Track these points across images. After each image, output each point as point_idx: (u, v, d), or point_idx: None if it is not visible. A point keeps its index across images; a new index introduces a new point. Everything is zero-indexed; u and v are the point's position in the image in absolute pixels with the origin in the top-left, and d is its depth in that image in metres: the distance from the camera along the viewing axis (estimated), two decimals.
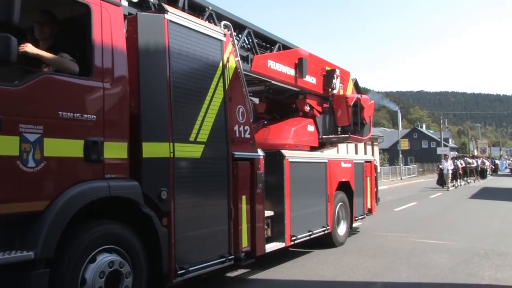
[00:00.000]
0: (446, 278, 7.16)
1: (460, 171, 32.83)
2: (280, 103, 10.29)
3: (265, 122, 9.89)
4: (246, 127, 6.86)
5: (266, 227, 7.39)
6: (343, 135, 10.69)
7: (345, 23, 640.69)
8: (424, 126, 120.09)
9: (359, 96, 11.18)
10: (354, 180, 10.62)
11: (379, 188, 13.43)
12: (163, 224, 5.08)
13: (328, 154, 10.46)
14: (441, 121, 71.88)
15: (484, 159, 46.96)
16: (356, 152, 46.14)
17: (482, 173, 39.87)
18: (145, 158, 4.99)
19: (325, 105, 10.63)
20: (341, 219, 10.18)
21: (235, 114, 6.63)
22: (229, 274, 7.52)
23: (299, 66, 9.25)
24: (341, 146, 44.50)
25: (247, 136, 6.88)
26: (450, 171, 29.94)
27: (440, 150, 53.56)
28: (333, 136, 10.65)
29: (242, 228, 6.46)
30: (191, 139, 5.66)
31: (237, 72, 6.80)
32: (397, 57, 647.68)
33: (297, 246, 8.87)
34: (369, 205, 11.77)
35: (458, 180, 32.87)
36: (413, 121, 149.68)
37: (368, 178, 11.64)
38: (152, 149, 5.07)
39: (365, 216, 11.47)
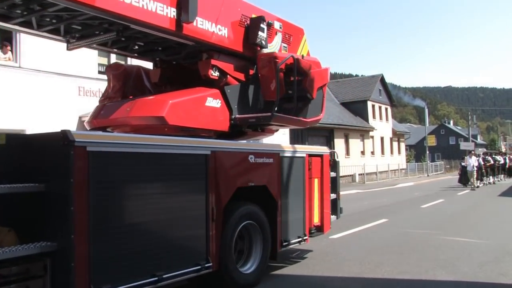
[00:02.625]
0: (475, 277, 7.04)
1: (483, 169, 30.47)
2: (181, 68, 7.48)
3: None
4: None
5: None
6: (264, 114, 6.94)
7: (372, 16, 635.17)
8: (451, 122, 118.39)
9: (296, 55, 7.49)
10: (281, 183, 7.24)
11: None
12: None
13: (218, 141, 6.31)
14: (469, 117, 70.70)
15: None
16: (382, 149, 45.85)
17: (510, 171, 38.87)
18: None
19: (251, 72, 7.47)
20: (250, 247, 6.83)
21: None
22: None
23: (184, 1, 6.07)
24: (355, 142, 43.81)
25: None
26: (475, 169, 27.68)
27: (463, 145, 52.50)
28: (251, 115, 7.00)
29: None
30: None
31: None
32: (425, 52, 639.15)
33: None
34: (316, 220, 8.25)
35: (484, 178, 30.88)
36: (440, 117, 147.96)
37: (316, 180, 8.25)
38: None
39: (306, 238, 7.84)
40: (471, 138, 59.81)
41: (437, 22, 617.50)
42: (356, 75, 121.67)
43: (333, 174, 8.94)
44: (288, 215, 7.40)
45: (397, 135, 51.33)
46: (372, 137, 44.02)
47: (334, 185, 9.00)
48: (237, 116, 6.93)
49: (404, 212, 16.08)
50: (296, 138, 31.64)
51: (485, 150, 63.31)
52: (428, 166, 50.95)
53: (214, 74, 6.84)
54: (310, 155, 8.10)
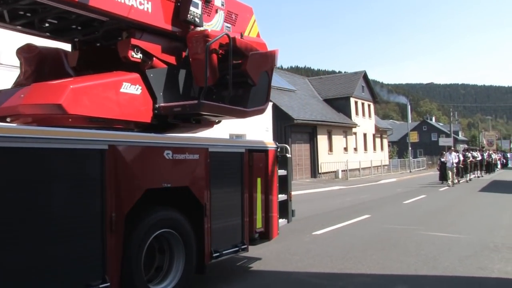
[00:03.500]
0: (455, 271, 7.13)
1: (461, 164, 29.73)
2: (103, 51, 6.44)
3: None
4: None
5: None
6: (190, 102, 6.02)
7: (355, 13, 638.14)
8: (433, 118, 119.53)
9: (233, 34, 6.41)
10: (210, 184, 6.03)
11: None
12: None
13: (119, 134, 5.07)
14: (451, 114, 71.46)
15: (491, 152, 45.72)
16: (365, 145, 46.15)
17: (488, 167, 39.14)
18: None
19: (183, 54, 6.54)
20: (170, 261, 5.69)
21: None
22: None
23: None
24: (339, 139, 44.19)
25: None
26: (455, 165, 26.89)
27: (442, 141, 53.13)
28: (175, 104, 6.04)
29: None
30: None
31: None
32: (407, 49, 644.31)
33: None
34: (259, 225, 7.08)
35: (464, 174, 30.48)
36: (423, 113, 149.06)
37: (259, 180, 7.05)
38: None
39: (245, 246, 6.72)
40: (452, 134, 60.44)
41: (419, 19, 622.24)
42: (339, 72, 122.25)
43: (282, 172, 7.79)
44: (220, 221, 6.24)
45: (380, 132, 51.73)
46: (355, 133, 44.31)
47: (284, 184, 7.90)
48: (161, 104, 5.96)
49: (387, 208, 16.22)
50: (279, 134, 31.72)
51: (466, 146, 64.00)
52: (410, 162, 51.41)
53: (136, 56, 5.84)
54: (251, 150, 6.89)
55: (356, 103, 45.14)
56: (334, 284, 6.65)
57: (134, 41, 5.79)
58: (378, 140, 51.28)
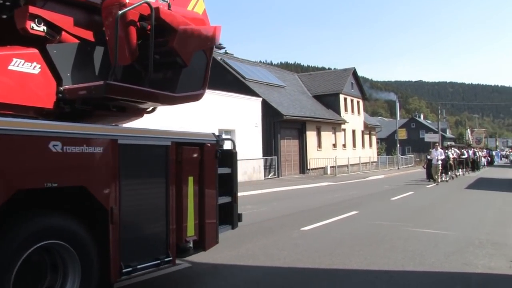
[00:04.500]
0: (441, 267, 7.23)
1: (450, 161, 29.22)
2: (3, 23, 5.02)
3: None
4: None
5: None
6: (96, 83, 4.92)
7: (345, 10, 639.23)
8: (422, 116, 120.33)
9: (156, 3, 5.36)
10: (119, 184, 4.82)
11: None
12: None
13: None
14: (439, 111, 71.94)
15: (476, 150, 45.71)
16: (354, 142, 46.34)
17: (474, 165, 39.26)
18: None
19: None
20: (64, 280, 4.46)
21: None
22: None
23: None
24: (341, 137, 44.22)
25: None
26: (440, 162, 25.91)
27: (428, 137, 52.93)
28: (81, 85, 4.97)
29: None
30: None
31: None
32: (397, 47, 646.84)
33: None
34: (191, 233, 5.90)
35: (449, 172, 29.24)
36: (411, 111, 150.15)
37: (191, 179, 5.88)
38: None
39: (171, 259, 5.55)
40: (440, 132, 60.83)
41: (409, 16, 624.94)
42: (329, 68, 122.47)
43: (225, 170, 6.66)
44: (134, 229, 5.07)
45: (368, 128, 51.94)
46: (344, 130, 44.44)
47: (228, 185, 6.73)
48: (66, 87, 4.92)
49: (374, 204, 16.35)
50: (268, 130, 31.77)
51: (448, 143, 64.47)
52: (398, 159, 51.72)
53: (38, 28, 4.77)
54: (180, 144, 5.68)
55: (345, 99, 45.27)
56: (322, 280, 6.72)
57: (33, 10, 4.72)
58: (366, 137, 51.51)
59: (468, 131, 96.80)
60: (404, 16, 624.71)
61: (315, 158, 37.23)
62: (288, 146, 34.81)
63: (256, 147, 29.14)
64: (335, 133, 42.38)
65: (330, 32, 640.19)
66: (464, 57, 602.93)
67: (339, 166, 37.38)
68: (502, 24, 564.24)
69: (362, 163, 43.70)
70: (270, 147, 32.07)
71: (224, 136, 6.71)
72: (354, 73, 48.46)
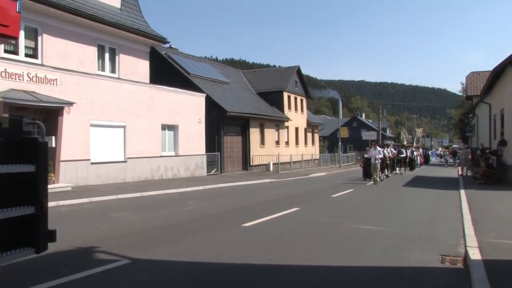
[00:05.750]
0: (377, 262, 7.43)
1: (387, 161, 29.40)
2: None
3: None
4: None
5: None
6: None
7: (292, 9, 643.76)
8: (363, 115, 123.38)
9: None
10: None
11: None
12: None
13: None
14: (380, 111, 73.90)
15: (414, 149, 46.77)
16: (297, 139, 46.87)
17: (411, 164, 40.40)
18: None
19: None
20: None
21: None
22: None
23: None
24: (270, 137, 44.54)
25: None
26: (379, 161, 25.51)
27: (365, 135, 53.92)
28: None
29: None
30: None
31: None
32: (340, 47, 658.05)
33: None
34: None
35: (385, 170, 29.18)
36: (354, 110, 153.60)
37: None
38: None
39: None
40: (381, 131, 62.53)
41: (353, 18, 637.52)
42: (274, 66, 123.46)
43: (25, 167, 4.12)
44: None
45: (311, 126, 52.73)
46: (287, 127, 44.92)
47: (32, 190, 4.22)
48: None
49: (316, 201, 16.62)
50: (212, 126, 31.66)
51: (390, 142, 66.39)
52: (340, 157, 52.76)
53: None
54: None
55: (289, 97, 45.74)
56: (262, 275, 6.75)
57: None
58: (309, 135, 52.30)
59: (404, 130, 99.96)
60: (350, 16, 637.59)
61: (258, 155, 37.42)
62: (232, 142, 34.83)
63: (200, 143, 28.97)
64: (278, 131, 42.75)
65: (276, 30, 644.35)
66: (404, 59, 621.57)
67: (281, 163, 37.75)
68: (439, 32, 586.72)
69: (304, 161, 44.29)
70: (213, 143, 31.97)
71: (27, 120, 4.37)
72: (298, 71, 49.02)
